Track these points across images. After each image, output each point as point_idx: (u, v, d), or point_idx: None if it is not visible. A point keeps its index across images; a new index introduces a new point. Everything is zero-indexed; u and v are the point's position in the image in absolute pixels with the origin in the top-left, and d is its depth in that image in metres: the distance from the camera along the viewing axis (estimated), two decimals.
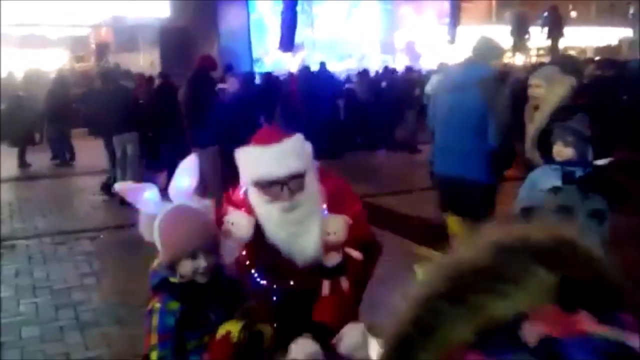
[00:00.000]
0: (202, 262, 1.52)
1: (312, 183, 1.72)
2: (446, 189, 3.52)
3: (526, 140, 3.12)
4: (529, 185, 2.07)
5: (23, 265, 4.86)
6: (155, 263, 1.60)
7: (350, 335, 1.45)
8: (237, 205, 1.75)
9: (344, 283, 1.69)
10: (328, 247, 1.66)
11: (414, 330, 0.41)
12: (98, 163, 7.96)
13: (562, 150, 2.36)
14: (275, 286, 1.79)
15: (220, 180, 5.27)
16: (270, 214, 1.70)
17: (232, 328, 1.53)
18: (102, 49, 15.58)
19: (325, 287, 1.69)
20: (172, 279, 1.55)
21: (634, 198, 5.56)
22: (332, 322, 1.65)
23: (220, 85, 6.23)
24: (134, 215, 1.62)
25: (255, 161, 1.68)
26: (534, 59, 15.07)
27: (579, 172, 1.99)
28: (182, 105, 6.32)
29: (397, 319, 0.43)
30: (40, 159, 9.53)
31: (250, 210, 1.74)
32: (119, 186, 1.68)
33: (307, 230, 1.68)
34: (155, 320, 1.53)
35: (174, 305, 1.53)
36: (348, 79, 10.98)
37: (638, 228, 4.27)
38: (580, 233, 0.44)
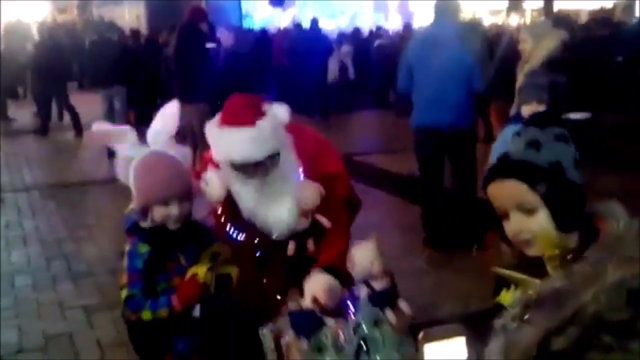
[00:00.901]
0: (174, 210, 1.52)
1: (287, 156, 1.66)
2: (427, 140, 3.57)
3: (516, 94, 3.15)
4: (501, 141, 2.29)
5: (12, 218, 4.87)
6: (130, 207, 1.60)
7: (362, 257, 1.39)
8: (213, 164, 1.71)
9: (310, 245, 1.69)
10: (299, 213, 1.66)
11: None
12: (86, 119, 7.86)
13: (534, 108, 2.39)
14: (256, 241, 1.78)
15: None
16: (244, 191, 1.67)
17: (199, 270, 1.55)
18: (85, 1, 15.06)
19: (291, 246, 1.69)
20: (143, 224, 1.56)
21: (627, 159, 5.63)
22: (339, 263, 1.59)
23: (209, 45, 6.02)
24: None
25: (228, 143, 1.58)
26: (529, 20, 14.90)
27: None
28: (171, 58, 6.18)
29: None
30: (26, 114, 9.37)
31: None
32: (96, 127, 1.66)
33: (281, 202, 1.65)
34: (125, 261, 1.56)
35: (143, 248, 1.55)
36: (377, 34, 10.50)
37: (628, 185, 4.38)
38: None
